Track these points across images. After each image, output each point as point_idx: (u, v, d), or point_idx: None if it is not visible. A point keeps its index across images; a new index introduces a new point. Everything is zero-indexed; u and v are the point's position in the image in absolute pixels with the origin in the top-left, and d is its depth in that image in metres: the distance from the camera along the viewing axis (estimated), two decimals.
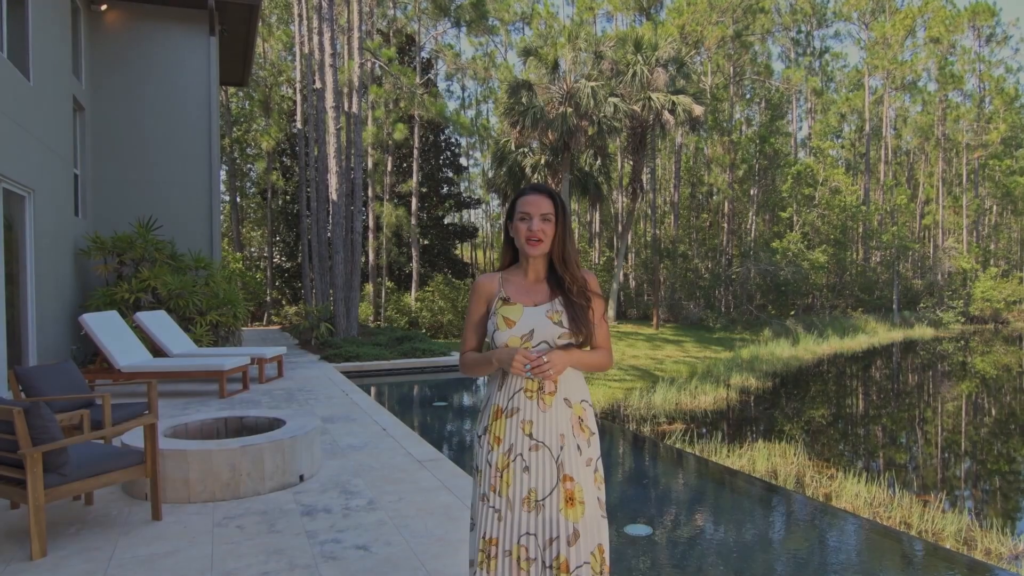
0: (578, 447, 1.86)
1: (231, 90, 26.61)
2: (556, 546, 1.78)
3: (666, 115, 21.48)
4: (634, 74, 21.70)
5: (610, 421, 11.03)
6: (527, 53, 22.20)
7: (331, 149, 15.07)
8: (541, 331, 1.87)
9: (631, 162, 24.79)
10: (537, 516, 1.81)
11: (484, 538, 1.85)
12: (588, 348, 1.96)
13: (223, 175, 26.54)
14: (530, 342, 1.87)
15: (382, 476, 4.38)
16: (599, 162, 23.55)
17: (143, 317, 8.16)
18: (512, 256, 2.01)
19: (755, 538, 4.64)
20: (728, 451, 8.20)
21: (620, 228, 29.34)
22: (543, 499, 1.81)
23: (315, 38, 17.65)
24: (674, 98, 21.50)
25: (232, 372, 7.39)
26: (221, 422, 4.73)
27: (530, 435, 1.85)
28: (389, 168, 26.73)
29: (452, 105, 37.26)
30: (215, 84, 11.17)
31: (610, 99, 20.68)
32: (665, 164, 36.75)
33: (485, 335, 1.98)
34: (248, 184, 30.45)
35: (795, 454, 8.17)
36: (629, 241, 31.11)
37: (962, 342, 26.96)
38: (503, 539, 1.82)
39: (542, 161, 22.17)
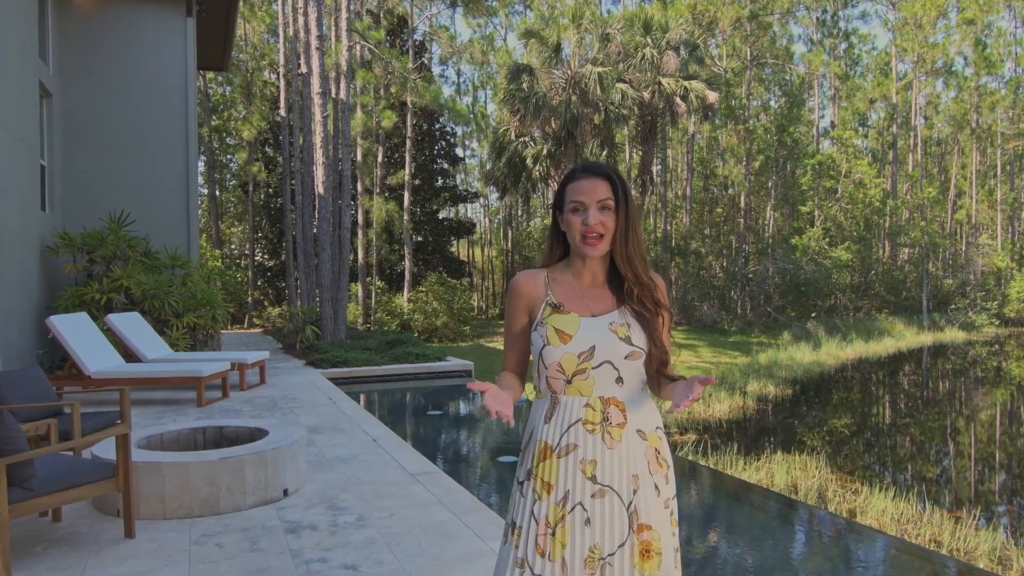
0: (656, 487, 1.63)
1: (210, 75, 26.65)
2: None
3: (677, 102, 21.49)
4: (643, 58, 21.71)
5: None
6: (528, 35, 22.21)
7: (317, 138, 15.07)
8: (604, 348, 1.61)
9: (640, 153, 24.81)
10: None
11: None
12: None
13: (201, 167, 26.58)
14: (589, 362, 1.61)
15: (372, 490, 4.38)
16: (605, 153, 23.56)
17: (115, 319, 8.16)
18: (562, 251, 1.74)
19: (774, 557, 4.64)
20: (744, 463, 8.19)
21: None
22: (610, 555, 1.56)
23: (300, 19, 17.66)
24: (686, 84, 21.52)
25: (211, 379, 7.39)
26: (199, 432, 4.73)
27: (593, 478, 1.59)
28: (380, 159, 26.74)
29: (447, 91, 37.32)
30: (192, 69, 11.16)
31: (617, 85, 20.68)
32: (676, 155, 36.79)
33: (528, 350, 1.69)
34: (228, 176, 30.49)
35: (817, 467, 8.18)
36: None
37: (996, 346, 26.97)
38: None
39: (544, 151, 22.18)
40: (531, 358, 1.72)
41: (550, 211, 1.78)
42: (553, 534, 1.58)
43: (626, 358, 1.62)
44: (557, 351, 1.61)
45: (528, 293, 1.70)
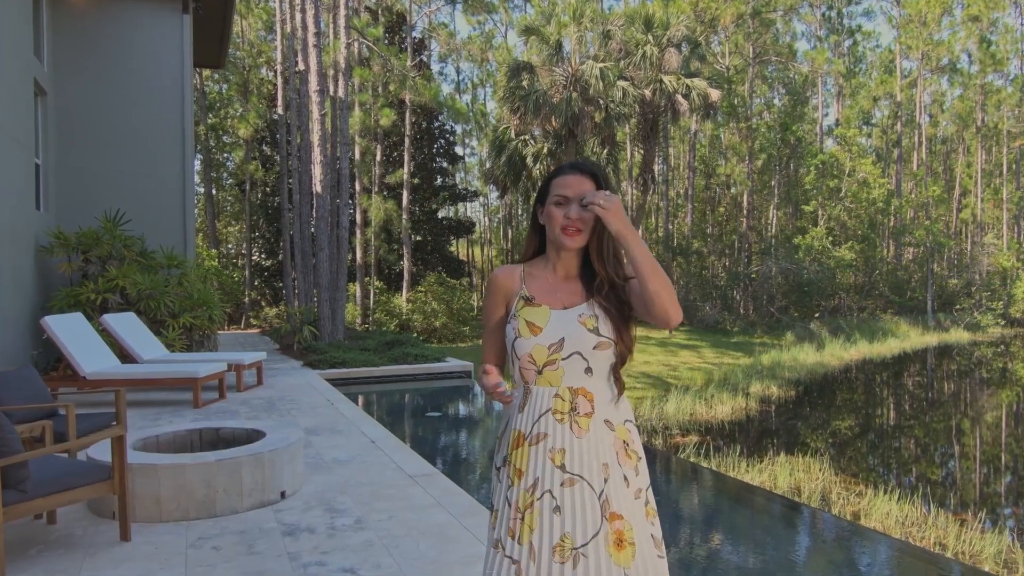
0: (625, 477, 1.69)
1: (206, 73, 26.64)
2: None
3: (679, 100, 21.49)
4: (644, 55, 21.71)
5: None
6: (528, 32, 22.19)
7: (315, 137, 15.07)
8: (573, 340, 1.68)
9: (641, 151, 24.81)
10: (575, 569, 1.60)
11: None
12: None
13: (197, 165, 26.58)
14: (559, 353, 1.68)
15: (371, 493, 4.38)
16: (607, 151, 23.55)
17: (110, 320, 8.16)
18: (537, 246, 1.83)
19: (777, 560, 4.64)
20: (747, 466, 8.20)
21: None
22: (583, 546, 1.61)
23: (298, 16, 17.65)
24: (688, 81, 21.51)
25: (207, 379, 7.39)
26: (195, 434, 4.73)
27: (562, 467, 1.65)
28: (378, 158, 26.75)
29: (446, 89, 37.32)
30: (189, 66, 11.16)
31: (619, 82, 20.68)
32: (679, 153, 36.79)
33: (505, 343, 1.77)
34: (224, 175, 30.49)
35: (820, 469, 8.18)
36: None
37: (1002, 347, 26.97)
38: None
39: (544, 150, 22.18)
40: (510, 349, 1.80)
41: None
42: (522, 519, 1.65)
43: (595, 348, 1.69)
44: (528, 343, 1.69)
45: (506, 287, 1.79)
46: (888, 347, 24.56)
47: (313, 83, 14.94)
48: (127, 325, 8.32)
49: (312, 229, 17.07)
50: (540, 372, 1.70)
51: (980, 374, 20.09)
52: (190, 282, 10.02)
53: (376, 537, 3.60)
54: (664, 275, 1.63)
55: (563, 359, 1.68)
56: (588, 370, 1.69)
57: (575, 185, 1.69)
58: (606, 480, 1.65)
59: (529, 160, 22.44)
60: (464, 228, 30.47)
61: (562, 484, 1.64)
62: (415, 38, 28.60)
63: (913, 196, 37.94)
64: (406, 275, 25.31)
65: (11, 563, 3.24)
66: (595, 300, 1.73)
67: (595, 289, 1.73)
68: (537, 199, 1.79)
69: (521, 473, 1.68)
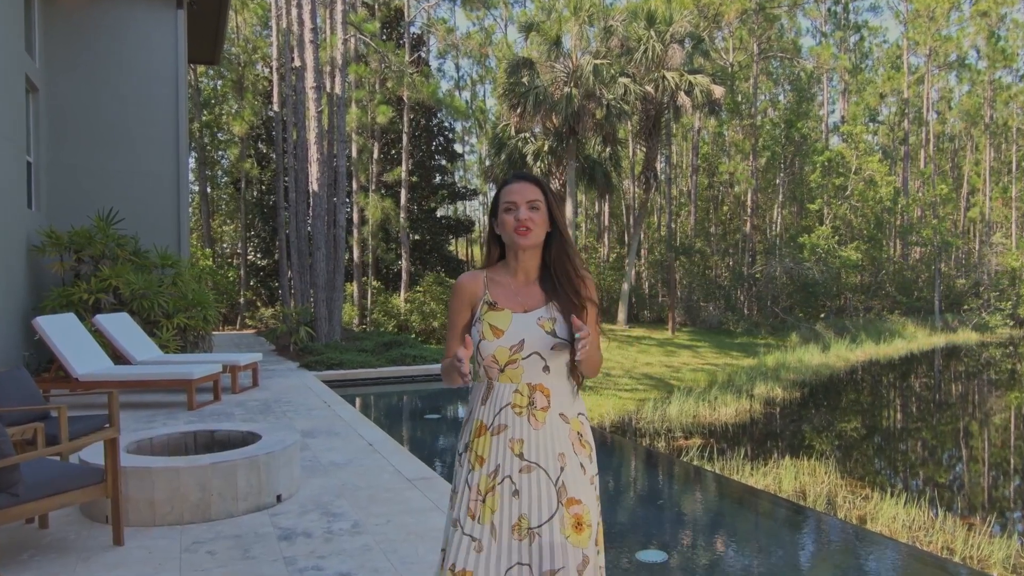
0: (581, 465, 1.87)
1: (201, 69, 26.64)
2: None
3: (682, 96, 21.50)
4: (646, 51, 21.71)
5: (620, 435, 11.04)
6: (528, 28, 22.21)
7: (311, 134, 15.08)
8: (532, 341, 1.87)
9: (644, 148, 24.81)
10: (531, 545, 1.78)
11: (453, 570, 1.80)
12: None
13: (192, 163, 26.58)
14: (520, 353, 1.87)
15: (368, 496, 4.38)
16: (608, 149, 23.57)
17: (103, 320, 8.16)
18: (498, 255, 2.02)
19: (781, 564, 4.64)
20: (751, 469, 8.20)
21: (632, 222, 29.34)
22: (539, 526, 1.79)
23: (293, 11, 17.64)
24: (691, 78, 21.53)
25: (202, 381, 7.39)
26: (190, 436, 4.73)
27: (520, 455, 1.84)
28: (375, 156, 26.74)
29: (445, 86, 37.30)
30: (183, 62, 11.15)
31: (620, 79, 20.70)
32: (681, 151, 36.79)
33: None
34: (219, 173, 30.48)
35: (826, 472, 8.18)
36: (642, 236, 31.12)
37: (1011, 348, 26.97)
38: (481, 572, 1.78)
39: (545, 147, 22.20)
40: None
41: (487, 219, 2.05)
42: (483, 501, 1.83)
43: (552, 349, 1.87)
44: (491, 345, 1.87)
45: (471, 292, 1.97)
46: (895, 348, 24.57)
47: (309, 80, 14.94)
48: (120, 326, 8.33)
49: (309, 228, 17.07)
50: (502, 370, 1.88)
51: (988, 375, 20.10)
52: (184, 282, 10.02)
53: (374, 541, 3.60)
54: (597, 360, 1.91)
55: (523, 359, 1.87)
56: (546, 368, 1.88)
57: (520, 191, 1.90)
58: (562, 468, 1.84)
59: (529, 158, 22.45)
60: (463, 227, 30.46)
61: (520, 471, 1.83)
62: (413, 34, 28.59)
63: (920, 194, 37.93)
64: (404, 275, 25.31)
65: (3, 568, 3.24)
66: (554, 303, 1.92)
67: (556, 287, 1.93)
68: (491, 213, 1.98)
69: (482, 460, 1.86)
